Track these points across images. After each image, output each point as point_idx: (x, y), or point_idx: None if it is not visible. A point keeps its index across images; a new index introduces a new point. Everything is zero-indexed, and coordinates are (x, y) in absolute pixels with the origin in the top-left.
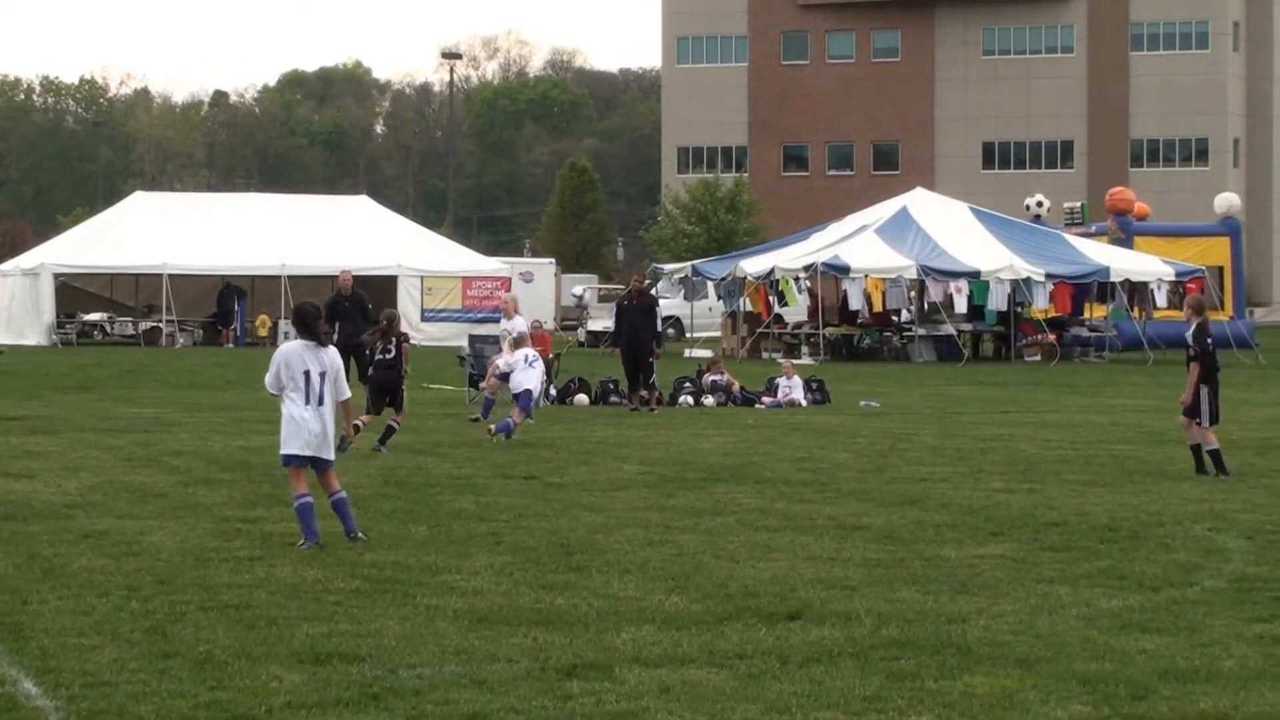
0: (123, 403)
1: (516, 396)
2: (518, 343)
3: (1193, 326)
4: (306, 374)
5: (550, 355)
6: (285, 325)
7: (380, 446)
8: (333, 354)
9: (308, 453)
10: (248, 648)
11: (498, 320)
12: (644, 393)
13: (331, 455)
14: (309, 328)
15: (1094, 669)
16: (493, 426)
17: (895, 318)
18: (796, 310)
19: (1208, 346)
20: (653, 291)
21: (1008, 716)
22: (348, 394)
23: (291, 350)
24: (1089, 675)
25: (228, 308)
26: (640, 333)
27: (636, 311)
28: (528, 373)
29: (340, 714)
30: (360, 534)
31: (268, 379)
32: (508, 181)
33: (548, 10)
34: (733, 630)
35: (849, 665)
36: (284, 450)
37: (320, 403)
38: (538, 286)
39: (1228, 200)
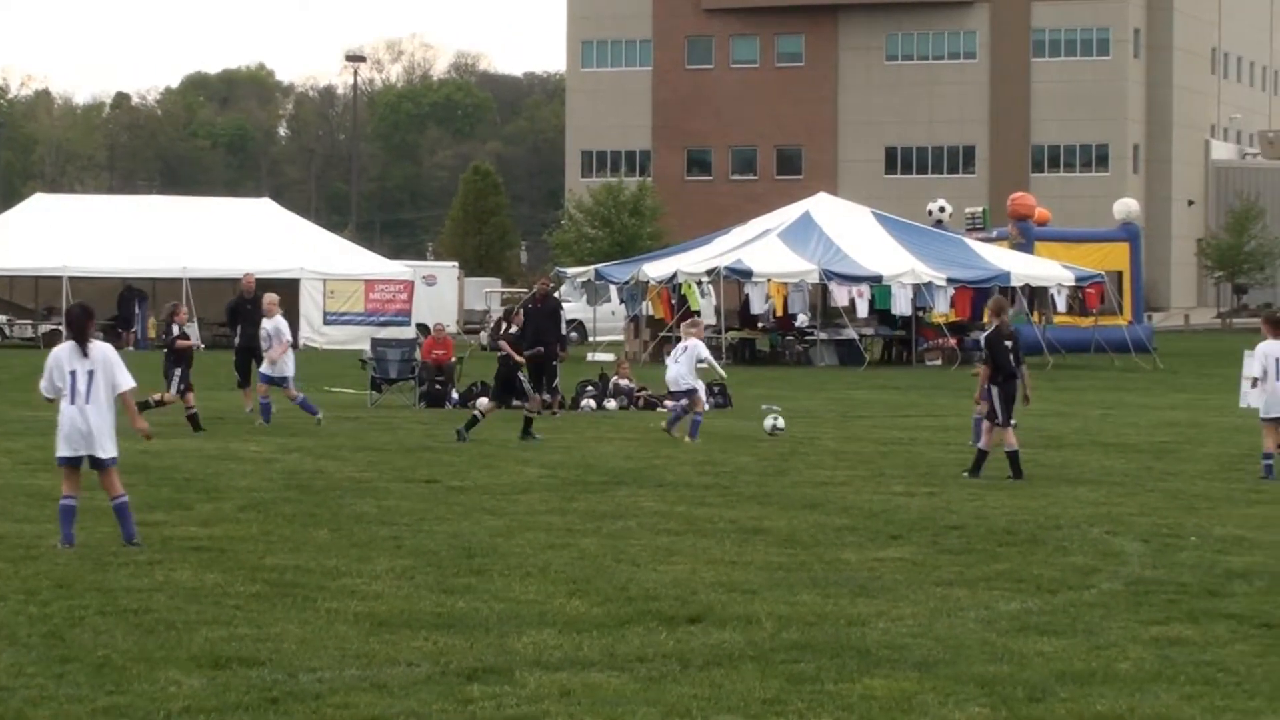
0: (20, 406)
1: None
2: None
3: (989, 329)
4: (72, 374)
5: (452, 359)
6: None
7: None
8: (102, 350)
9: (76, 452)
10: (146, 652)
11: (401, 323)
12: (547, 396)
13: (107, 454)
14: (76, 329)
15: (992, 671)
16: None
17: (793, 321)
18: (702, 314)
19: (998, 350)
20: (556, 295)
21: (906, 719)
22: (127, 383)
23: (59, 352)
24: (987, 677)
25: (128, 310)
26: (545, 336)
27: (541, 315)
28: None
29: (239, 718)
30: (138, 541)
31: (42, 384)
32: (411, 185)
33: (452, 13)
34: (633, 633)
35: (749, 668)
36: (56, 451)
37: (88, 401)
38: (441, 290)
39: (1127, 206)
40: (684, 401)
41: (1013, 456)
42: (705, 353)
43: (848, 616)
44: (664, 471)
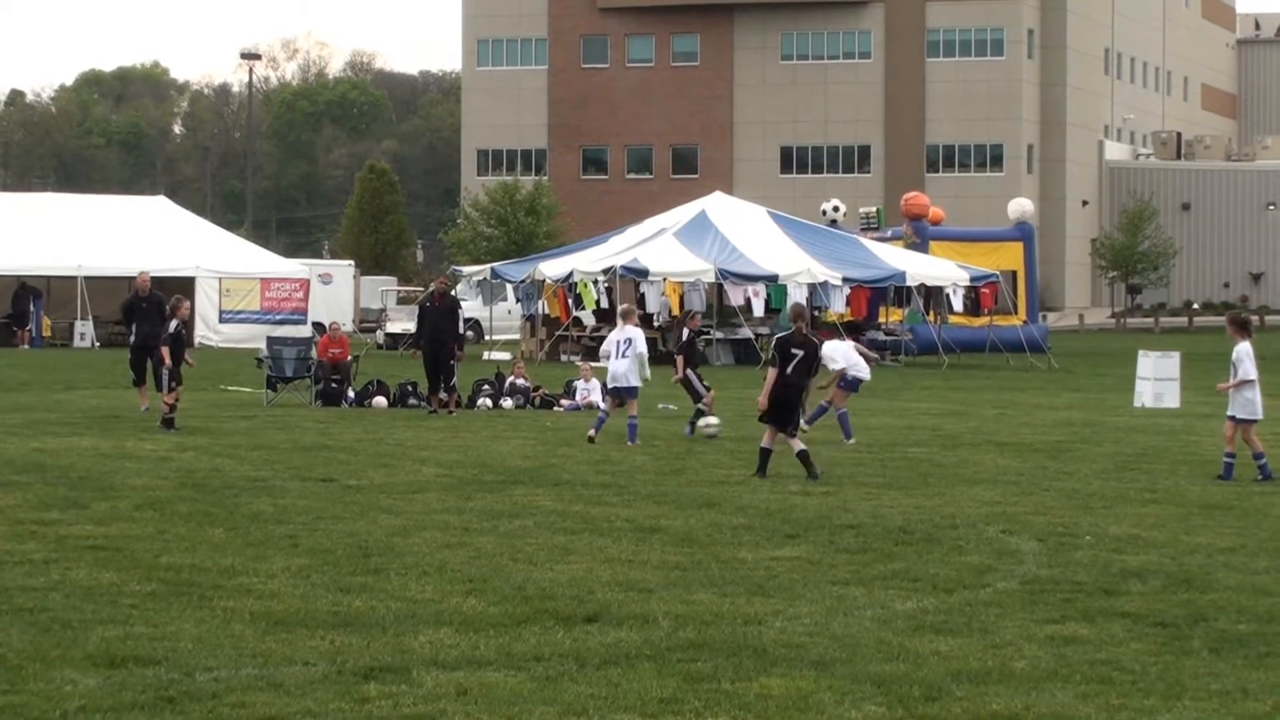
0: None
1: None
2: None
3: (784, 333)
4: None
5: (349, 358)
6: (81, 326)
7: None
8: None
9: None
10: (42, 651)
11: (297, 322)
12: (443, 395)
13: None
14: None
15: (888, 670)
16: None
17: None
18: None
19: (785, 355)
20: (453, 294)
21: (802, 718)
22: None
23: None
24: (883, 676)
25: (23, 308)
26: (442, 334)
27: (439, 313)
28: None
29: (135, 717)
30: None
31: None
32: (306, 183)
33: (347, 12)
34: (530, 632)
35: (646, 667)
36: None
37: None
38: (336, 288)
39: (1021, 206)
40: (604, 405)
41: (802, 456)
42: (644, 348)
43: (744, 615)
44: (560, 470)
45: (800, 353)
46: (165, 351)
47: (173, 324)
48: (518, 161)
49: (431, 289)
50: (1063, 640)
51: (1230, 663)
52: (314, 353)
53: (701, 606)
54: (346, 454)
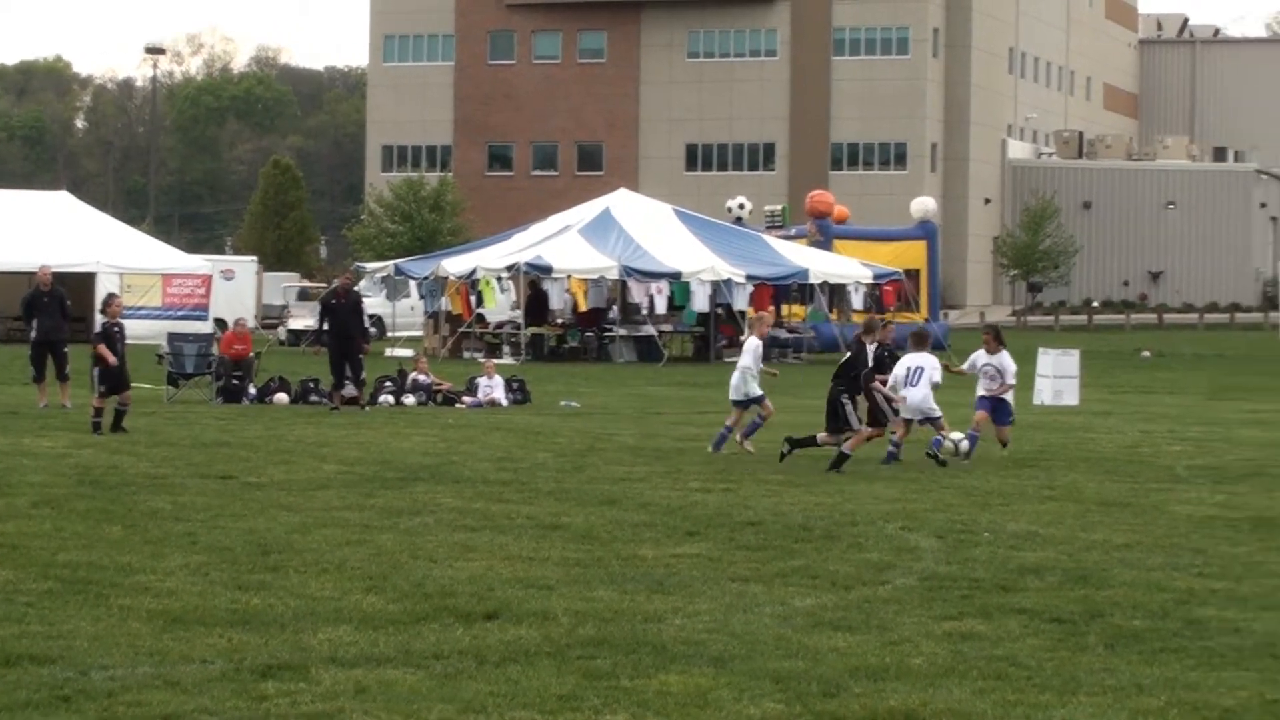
0: None
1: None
2: None
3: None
4: None
5: (251, 354)
6: None
7: None
8: None
9: None
10: None
11: (199, 318)
12: (351, 390)
13: None
14: None
15: (787, 667)
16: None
17: (600, 317)
18: (499, 310)
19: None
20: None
21: (701, 714)
22: None
23: None
24: (782, 673)
25: None
26: (349, 331)
27: (345, 310)
28: None
29: (30, 716)
30: None
31: None
32: (210, 179)
33: (253, 7)
34: (430, 630)
35: (545, 664)
36: None
37: None
38: (239, 285)
39: (924, 204)
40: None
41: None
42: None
43: (644, 612)
44: (462, 468)
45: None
46: (104, 350)
47: (100, 322)
48: (423, 158)
49: (336, 285)
50: (960, 636)
51: (1125, 658)
52: (215, 349)
53: (601, 603)
54: (247, 451)
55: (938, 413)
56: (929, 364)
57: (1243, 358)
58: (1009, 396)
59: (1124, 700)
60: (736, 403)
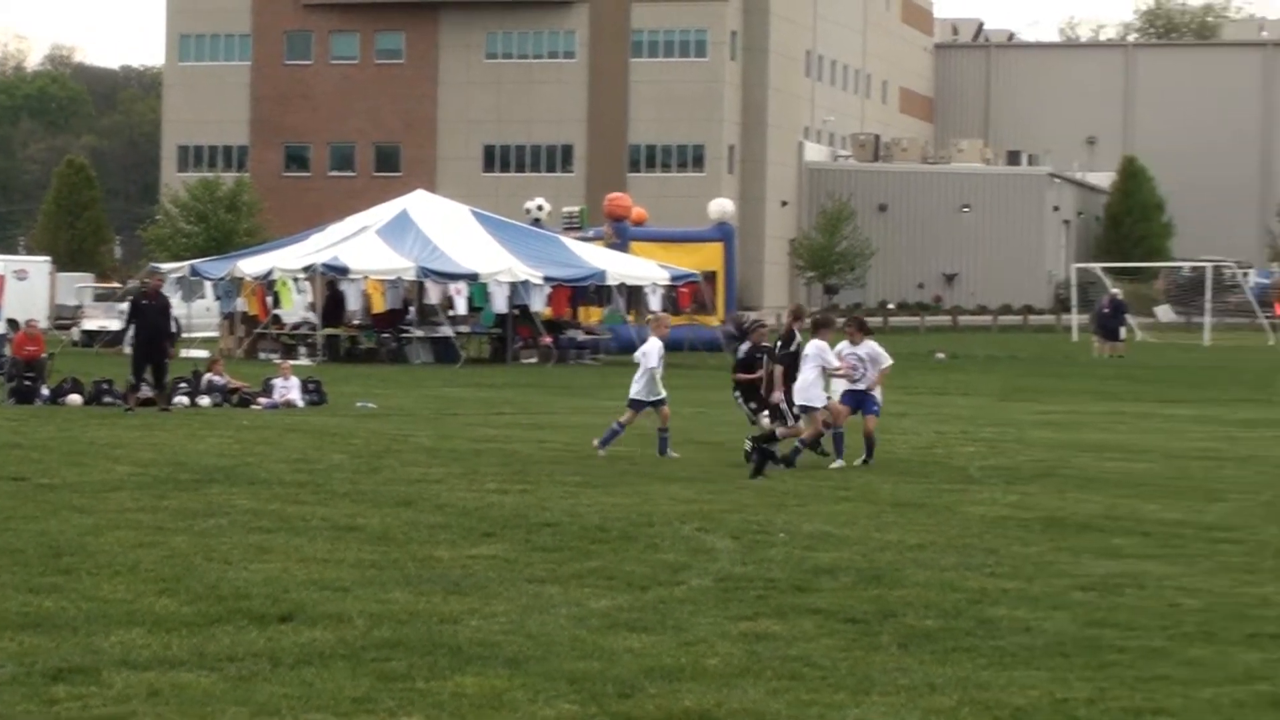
0: None
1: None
2: None
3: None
4: None
5: (44, 355)
6: None
7: None
8: None
9: None
10: None
11: None
12: (148, 392)
13: None
14: None
15: (582, 668)
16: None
17: (399, 318)
18: (295, 311)
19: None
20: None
21: (496, 716)
22: None
23: None
24: (577, 674)
25: None
26: (159, 332)
27: (154, 311)
28: None
29: None
30: None
31: None
32: (2, 178)
33: (46, 6)
34: (224, 632)
35: (340, 666)
36: None
37: None
38: (32, 285)
39: (721, 206)
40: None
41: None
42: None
43: (440, 614)
44: (257, 469)
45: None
46: None
47: None
48: (219, 158)
49: (144, 286)
50: (755, 637)
51: (918, 658)
52: (8, 349)
53: (397, 605)
54: (39, 452)
55: (814, 404)
56: (814, 350)
57: (1035, 359)
58: (878, 389)
59: (917, 699)
60: (638, 404)
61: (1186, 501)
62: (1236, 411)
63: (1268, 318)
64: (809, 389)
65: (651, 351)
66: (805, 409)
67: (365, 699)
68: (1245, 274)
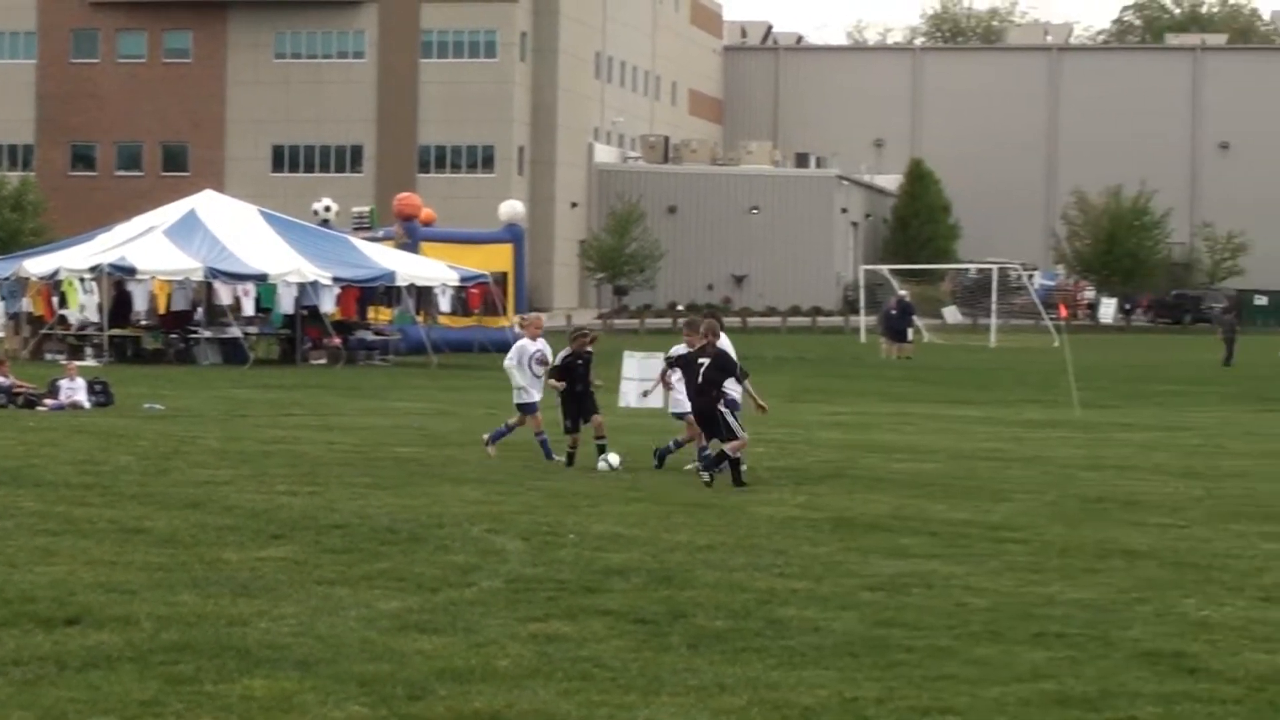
0: None
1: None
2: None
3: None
4: None
5: None
6: None
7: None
8: None
9: None
10: None
11: None
12: None
13: None
14: None
15: (372, 670)
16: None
17: (187, 318)
18: (82, 311)
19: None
20: None
21: (286, 718)
22: None
23: None
24: (367, 676)
25: None
26: None
27: None
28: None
29: None
30: None
31: None
32: None
33: None
34: (9, 636)
35: (128, 670)
36: None
37: None
38: None
39: (511, 208)
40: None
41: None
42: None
43: (228, 616)
44: (43, 471)
45: (706, 360)
46: None
47: None
48: (3, 157)
49: None
50: (545, 638)
51: (708, 658)
52: None
53: (185, 608)
54: None
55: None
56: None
57: (823, 360)
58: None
59: (706, 700)
60: (530, 405)
61: (973, 502)
62: (1022, 412)
63: (1052, 319)
64: (677, 394)
65: (512, 353)
66: (679, 415)
67: (153, 702)
68: (1030, 276)
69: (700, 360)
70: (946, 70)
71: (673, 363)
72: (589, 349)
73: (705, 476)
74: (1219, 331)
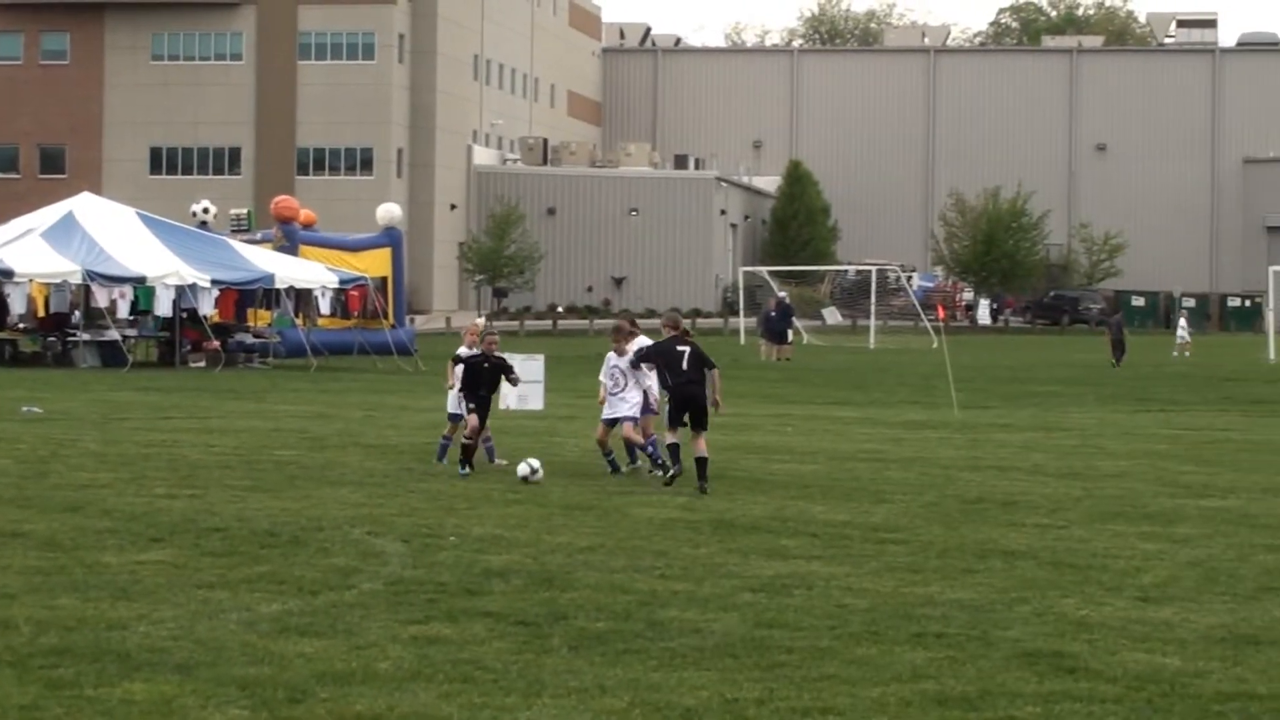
0: None
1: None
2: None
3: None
4: None
5: None
6: None
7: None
8: None
9: None
10: None
11: None
12: None
13: None
14: None
15: (253, 673)
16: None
17: (64, 321)
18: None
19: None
20: None
21: None
22: None
23: None
24: (248, 679)
25: None
26: None
27: None
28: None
29: None
30: None
31: None
32: None
33: None
34: None
35: (6, 674)
36: None
37: None
38: None
39: (389, 211)
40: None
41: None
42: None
43: (108, 620)
44: None
45: (687, 349)
46: None
47: None
48: None
49: None
50: (426, 640)
51: (589, 660)
52: None
53: (64, 612)
54: None
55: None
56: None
57: None
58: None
59: (588, 701)
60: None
61: (853, 503)
62: (901, 413)
63: (931, 321)
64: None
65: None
66: (611, 421)
67: (33, 706)
68: (909, 277)
69: (680, 349)
70: (824, 72)
71: (644, 355)
72: (496, 351)
73: (665, 476)
74: (1107, 333)
